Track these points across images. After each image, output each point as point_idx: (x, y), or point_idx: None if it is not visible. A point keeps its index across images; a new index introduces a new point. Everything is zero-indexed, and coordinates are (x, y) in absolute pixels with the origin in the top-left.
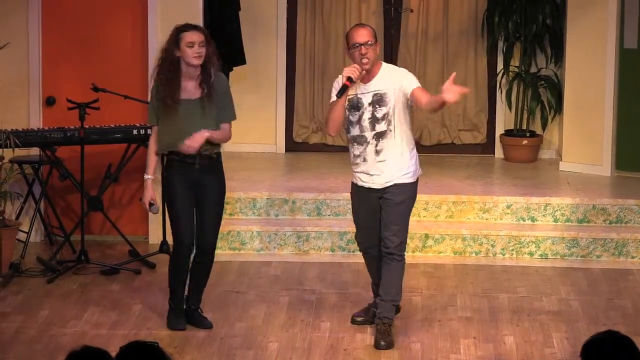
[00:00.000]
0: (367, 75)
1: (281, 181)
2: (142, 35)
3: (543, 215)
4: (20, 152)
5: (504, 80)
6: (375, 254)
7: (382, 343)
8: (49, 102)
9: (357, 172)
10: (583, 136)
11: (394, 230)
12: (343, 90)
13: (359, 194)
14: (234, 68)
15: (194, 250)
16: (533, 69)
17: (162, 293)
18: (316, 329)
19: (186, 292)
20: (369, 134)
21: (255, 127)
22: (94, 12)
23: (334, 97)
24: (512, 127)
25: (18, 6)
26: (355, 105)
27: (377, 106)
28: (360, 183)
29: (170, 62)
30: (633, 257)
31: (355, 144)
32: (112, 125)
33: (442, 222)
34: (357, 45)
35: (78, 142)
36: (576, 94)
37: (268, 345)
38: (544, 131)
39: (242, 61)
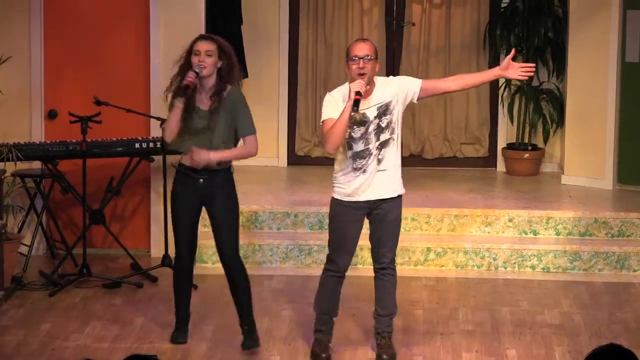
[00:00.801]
0: (367, 91)
1: (283, 194)
2: (145, 49)
3: (545, 228)
4: (22, 166)
5: (505, 93)
6: (343, 276)
7: (385, 357)
8: (51, 115)
9: (349, 187)
10: (585, 149)
11: (389, 245)
12: (356, 104)
13: (349, 212)
14: None
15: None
16: (535, 82)
17: (164, 306)
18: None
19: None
20: (373, 145)
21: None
22: (96, 25)
23: (326, 116)
24: (514, 140)
25: (20, 19)
26: (360, 121)
27: (382, 117)
28: (349, 199)
29: (187, 70)
30: (635, 271)
31: (357, 159)
32: (114, 139)
33: (444, 235)
34: (356, 58)
35: (80, 156)
36: (578, 107)
37: (270, 359)
38: (545, 144)
39: (244, 74)
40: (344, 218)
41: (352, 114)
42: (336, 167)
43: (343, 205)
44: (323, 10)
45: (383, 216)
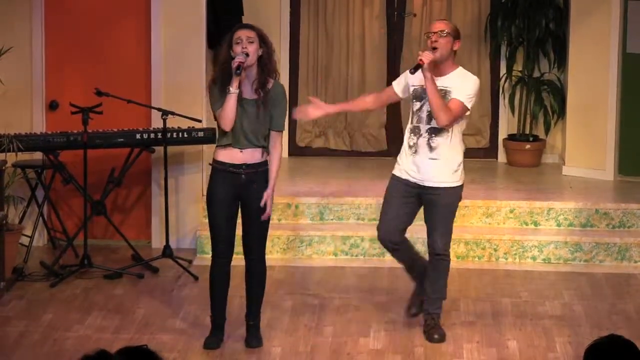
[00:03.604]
0: (438, 70)
1: (284, 185)
2: (146, 40)
3: (546, 219)
4: (23, 157)
5: (507, 84)
6: (396, 247)
7: (436, 337)
8: (52, 106)
9: (403, 165)
10: (586, 140)
11: (440, 232)
12: (416, 67)
13: (399, 187)
14: None
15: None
16: (536, 74)
17: (165, 297)
18: (319, 333)
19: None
20: (423, 127)
21: None
22: (97, 16)
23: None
24: (515, 131)
25: (22, 11)
26: (419, 95)
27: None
28: (404, 176)
29: (226, 62)
30: (636, 262)
31: (411, 134)
32: (115, 130)
33: None
34: (430, 34)
35: (81, 147)
36: (579, 98)
37: (271, 350)
38: (547, 136)
39: None
40: (391, 190)
41: (411, 73)
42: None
43: (395, 179)
44: (324, 1)
45: (433, 202)
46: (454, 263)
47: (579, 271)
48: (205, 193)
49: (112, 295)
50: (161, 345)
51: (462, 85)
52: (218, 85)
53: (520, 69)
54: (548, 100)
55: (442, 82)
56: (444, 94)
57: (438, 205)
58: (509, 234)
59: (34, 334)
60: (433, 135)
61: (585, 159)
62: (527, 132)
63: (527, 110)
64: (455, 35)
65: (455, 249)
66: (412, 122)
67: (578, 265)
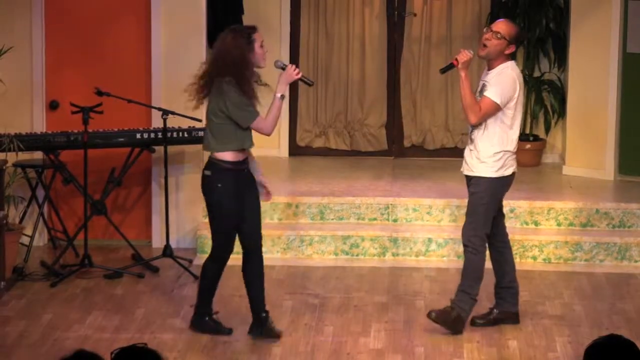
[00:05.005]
0: (490, 64)
1: (284, 185)
2: (146, 39)
3: (546, 219)
4: (24, 156)
5: None
6: (491, 244)
7: (433, 314)
8: (53, 106)
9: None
10: (586, 140)
11: (466, 222)
12: (447, 67)
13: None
14: None
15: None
16: (536, 73)
17: (165, 297)
18: (319, 333)
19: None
20: None
21: None
22: (97, 16)
23: None
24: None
25: (22, 11)
26: (478, 90)
27: (479, 95)
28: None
29: (246, 64)
30: (636, 262)
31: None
32: (116, 130)
33: (446, 226)
34: (487, 30)
35: (81, 146)
36: (579, 98)
37: (272, 350)
38: (547, 135)
39: None
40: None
41: (441, 73)
42: None
43: None
44: (324, 1)
45: (468, 191)
46: (454, 262)
47: (579, 271)
48: (207, 195)
49: (112, 295)
50: (161, 345)
51: (496, 80)
52: (238, 87)
53: (520, 68)
54: (548, 100)
55: (487, 76)
56: (483, 87)
57: (469, 194)
58: (510, 233)
59: (33, 334)
60: (474, 129)
61: (585, 158)
62: (528, 131)
63: (527, 110)
64: (512, 40)
65: (456, 249)
66: None
67: (578, 265)
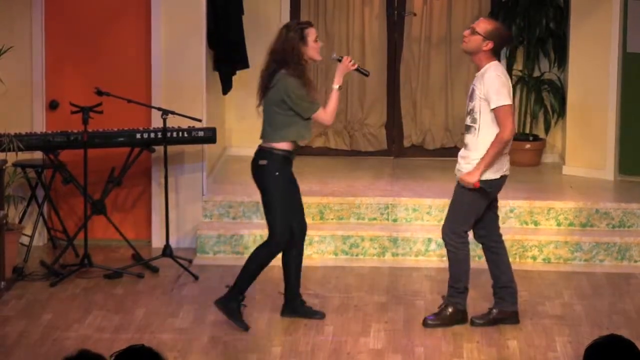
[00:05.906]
0: (476, 64)
1: None
2: (146, 39)
3: (546, 219)
4: (24, 156)
5: None
6: (485, 245)
7: (429, 322)
8: (52, 105)
9: None
10: (586, 140)
11: (446, 216)
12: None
13: None
14: (237, 72)
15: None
16: (536, 73)
17: (165, 297)
18: (319, 332)
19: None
20: (465, 123)
21: (258, 130)
22: (97, 16)
23: None
24: (515, 131)
25: (22, 10)
26: (470, 96)
27: (469, 100)
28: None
29: (300, 59)
30: (636, 261)
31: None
32: (116, 129)
33: None
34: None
35: (81, 146)
36: (579, 97)
37: (272, 349)
38: (547, 135)
39: (245, 65)
40: None
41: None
42: None
43: None
44: (324, 1)
45: (455, 188)
46: None
47: (579, 271)
48: (264, 184)
49: (112, 295)
50: (161, 345)
51: (486, 88)
52: (299, 80)
53: (520, 68)
54: (548, 100)
55: (475, 79)
56: (472, 91)
57: (454, 190)
58: (509, 233)
59: (33, 334)
60: (466, 132)
61: (585, 158)
62: (527, 131)
63: (527, 110)
64: (487, 36)
65: None
66: None
67: (578, 264)
